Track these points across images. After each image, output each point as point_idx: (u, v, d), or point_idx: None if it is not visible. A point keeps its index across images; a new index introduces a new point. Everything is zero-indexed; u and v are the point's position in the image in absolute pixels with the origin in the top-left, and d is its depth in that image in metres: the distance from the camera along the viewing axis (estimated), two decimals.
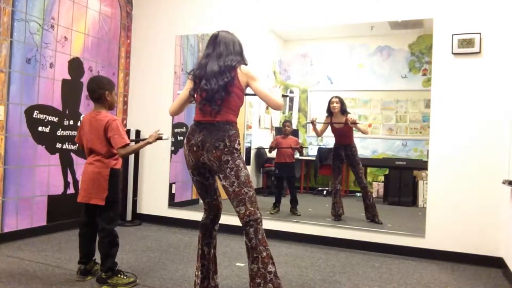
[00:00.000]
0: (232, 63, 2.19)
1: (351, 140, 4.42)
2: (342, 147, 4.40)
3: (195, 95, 2.26)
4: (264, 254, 2.07)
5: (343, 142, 4.41)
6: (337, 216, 4.19)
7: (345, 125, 4.37)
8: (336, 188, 4.34)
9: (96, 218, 2.61)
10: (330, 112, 4.46)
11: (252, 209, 2.12)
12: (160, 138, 2.67)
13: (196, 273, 2.33)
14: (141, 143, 2.73)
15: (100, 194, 2.55)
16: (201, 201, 2.40)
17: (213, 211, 2.35)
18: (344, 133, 4.40)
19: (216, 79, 2.15)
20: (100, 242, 2.60)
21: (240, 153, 2.21)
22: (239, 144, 2.21)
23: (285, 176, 4.76)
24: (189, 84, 2.33)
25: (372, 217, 4.09)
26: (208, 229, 2.34)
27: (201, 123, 2.20)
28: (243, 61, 2.27)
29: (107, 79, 2.73)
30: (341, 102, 4.41)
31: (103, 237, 2.57)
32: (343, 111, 4.40)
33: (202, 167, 2.24)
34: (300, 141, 5.11)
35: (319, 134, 4.68)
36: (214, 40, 2.29)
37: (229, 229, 3.75)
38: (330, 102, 4.45)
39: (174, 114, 2.48)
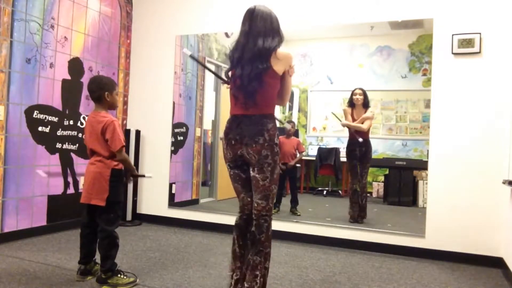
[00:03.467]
0: (270, 46, 2.09)
1: (368, 135, 4.29)
2: (357, 143, 4.24)
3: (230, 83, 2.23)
4: (268, 250, 2.16)
5: (361, 137, 4.24)
6: (354, 219, 4.03)
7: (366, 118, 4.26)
8: (354, 189, 4.21)
9: (96, 218, 2.60)
10: (352, 103, 4.33)
11: (271, 205, 2.17)
12: (143, 176, 3.14)
13: (231, 274, 2.26)
14: (132, 166, 2.74)
15: (101, 194, 2.54)
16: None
17: (247, 209, 2.25)
18: None
19: (251, 65, 2.08)
20: (100, 243, 2.59)
21: (278, 148, 2.17)
22: (278, 138, 2.17)
23: (287, 176, 4.76)
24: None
25: (357, 218, 4.04)
26: (243, 231, 2.25)
27: (238, 117, 2.16)
28: (281, 40, 2.17)
29: (108, 79, 2.71)
30: (365, 94, 4.30)
31: (102, 238, 2.57)
32: (365, 104, 4.31)
33: (240, 160, 2.20)
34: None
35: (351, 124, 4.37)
36: (251, 14, 2.19)
37: (230, 229, 3.74)
38: (353, 94, 4.32)
39: None
